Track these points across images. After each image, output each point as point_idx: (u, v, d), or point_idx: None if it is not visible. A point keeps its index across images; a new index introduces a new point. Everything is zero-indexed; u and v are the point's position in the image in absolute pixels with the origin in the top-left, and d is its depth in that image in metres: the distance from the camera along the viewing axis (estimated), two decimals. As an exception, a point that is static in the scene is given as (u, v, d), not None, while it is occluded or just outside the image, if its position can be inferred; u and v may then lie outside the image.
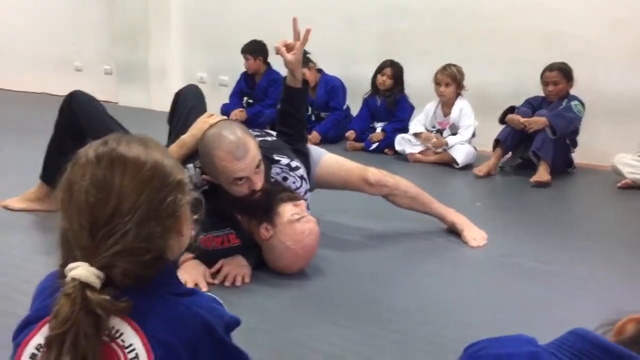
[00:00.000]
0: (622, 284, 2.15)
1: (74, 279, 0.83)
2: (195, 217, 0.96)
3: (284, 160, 2.19)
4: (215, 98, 5.17)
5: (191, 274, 1.97)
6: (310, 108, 4.81)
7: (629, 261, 2.41)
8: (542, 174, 3.58)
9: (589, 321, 0.83)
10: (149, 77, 6.17)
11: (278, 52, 2.26)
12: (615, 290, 2.09)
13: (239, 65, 5.33)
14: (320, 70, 4.83)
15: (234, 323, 0.98)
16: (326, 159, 2.56)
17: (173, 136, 2.41)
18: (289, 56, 2.25)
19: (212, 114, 2.30)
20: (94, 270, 0.83)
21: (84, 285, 0.82)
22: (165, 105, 5.90)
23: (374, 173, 2.51)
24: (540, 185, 3.54)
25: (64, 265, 0.86)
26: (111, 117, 2.53)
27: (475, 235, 2.54)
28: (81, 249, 0.85)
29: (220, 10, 5.87)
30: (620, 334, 0.78)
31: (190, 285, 1.87)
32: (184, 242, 0.95)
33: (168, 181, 0.91)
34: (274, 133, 2.44)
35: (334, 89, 4.84)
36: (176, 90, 2.69)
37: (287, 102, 2.36)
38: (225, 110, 5.18)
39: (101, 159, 0.88)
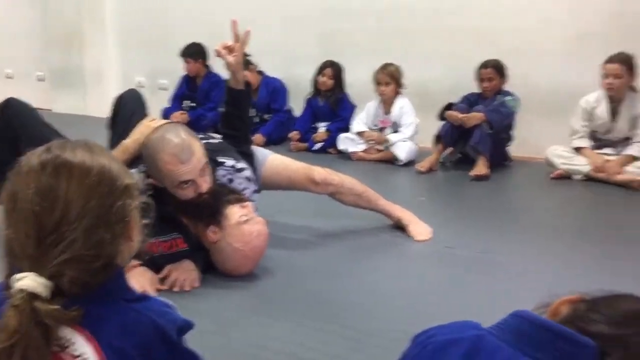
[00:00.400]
0: (557, 270, 2.25)
1: (21, 290, 0.80)
2: (145, 221, 0.95)
3: (229, 162, 2.19)
4: (155, 102, 5.06)
5: (139, 281, 1.93)
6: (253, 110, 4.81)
7: (563, 248, 2.53)
8: (481, 167, 3.70)
9: (527, 305, 0.87)
10: (85, 82, 6.00)
11: (218, 54, 2.26)
12: (551, 276, 2.18)
13: (178, 68, 5.26)
14: (261, 72, 4.83)
15: (187, 326, 0.97)
16: (271, 160, 2.57)
17: (114, 141, 2.37)
18: (230, 58, 2.25)
19: (154, 118, 2.28)
20: (42, 280, 0.81)
21: (32, 296, 0.80)
22: (103, 111, 5.78)
23: (320, 172, 2.54)
24: (480, 178, 3.66)
25: (9, 275, 0.84)
26: (47, 125, 2.45)
27: (420, 229, 2.60)
28: (28, 258, 0.83)
29: (157, 12, 5.77)
30: (555, 315, 0.83)
31: (138, 292, 1.84)
32: (134, 247, 0.94)
33: (116, 186, 0.89)
34: (218, 136, 2.43)
35: (275, 90, 4.84)
36: (114, 95, 2.64)
37: (230, 104, 2.36)
38: (166, 114, 5.09)
39: (45, 166, 0.85)
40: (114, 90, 5.99)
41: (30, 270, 0.82)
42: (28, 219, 0.83)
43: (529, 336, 0.78)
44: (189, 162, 1.92)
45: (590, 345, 0.74)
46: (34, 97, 6.06)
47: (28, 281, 0.81)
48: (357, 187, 2.63)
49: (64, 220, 0.83)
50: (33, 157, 0.87)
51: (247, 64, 4.33)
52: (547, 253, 2.46)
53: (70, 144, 0.90)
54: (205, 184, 1.99)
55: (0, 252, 0.87)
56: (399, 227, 2.66)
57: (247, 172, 2.24)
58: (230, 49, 2.25)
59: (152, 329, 0.89)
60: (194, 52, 4.98)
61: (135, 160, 2.12)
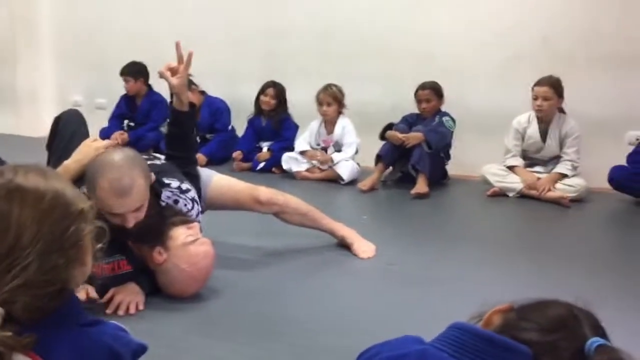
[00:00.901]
0: (495, 282, 2.34)
1: None
2: (99, 245, 0.95)
3: (174, 184, 2.17)
4: (93, 122, 4.93)
5: (128, 298, 1.96)
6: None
7: (499, 261, 2.64)
8: (421, 186, 3.81)
9: (465, 317, 0.92)
10: (18, 100, 5.81)
11: (162, 76, 2.25)
12: (488, 288, 2.26)
13: (116, 87, 5.17)
14: (203, 92, 4.82)
15: (141, 350, 0.97)
16: (216, 180, 2.57)
17: (53, 162, 2.31)
18: (174, 80, 2.24)
19: (95, 139, 2.24)
20: None
21: None
22: (36, 131, 5.65)
23: (264, 192, 2.56)
24: (420, 196, 3.76)
25: None
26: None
27: (364, 247, 2.65)
28: None
29: (94, 29, 5.67)
30: (489, 324, 0.88)
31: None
32: (87, 271, 0.93)
33: (70, 211, 0.89)
34: (162, 157, 2.41)
35: (218, 110, 4.84)
36: (49, 114, 2.58)
37: (175, 125, 2.35)
38: (105, 133, 4.98)
39: None
40: (49, 109, 5.85)
41: None
42: None
43: (469, 346, 0.82)
44: (124, 199, 1.87)
45: (525, 352, 0.80)
46: (-37, 115, 5.86)
47: None
48: (302, 207, 2.65)
49: (17, 245, 0.83)
50: None
51: (189, 84, 4.32)
52: (484, 267, 2.55)
53: (23, 168, 0.89)
54: (133, 221, 1.92)
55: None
56: (344, 245, 2.70)
57: (192, 193, 2.23)
58: (174, 71, 2.25)
59: (108, 353, 0.89)
60: (134, 71, 4.92)
61: (76, 181, 2.07)
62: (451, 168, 4.29)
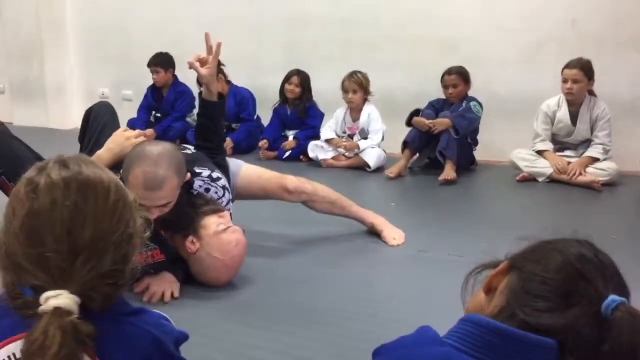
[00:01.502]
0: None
1: (57, 308, 0.80)
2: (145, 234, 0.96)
3: (205, 172, 2.19)
4: (121, 113, 4.99)
5: (163, 286, 2.00)
6: (221, 120, 4.80)
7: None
8: (449, 172, 3.77)
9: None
10: (46, 94, 5.87)
11: (192, 66, 2.26)
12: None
13: (142, 78, 5.21)
14: (229, 82, 4.83)
15: (183, 338, 0.99)
16: (244, 170, 2.58)
17: (85, 154, 2.33)
18: (203, 70, 2.26)
19: (126, 129, 2.26)
20: (74, 297, 0.82)
21: (68, 314, 0.80)
22: (65, 123, 5.72)
23: (292, 180, 2.56)
24: (448, 182, 3.73)
25: (16, 293, 0.84)
26: (16, 138, 2.40)
27: (394, 234, 2.64)
28: (55, 275, 0.83)
29: (119, 22, 5.71)
30: (491, 289, 0.88)
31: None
32: (134, 261, 0.95)
33: (128, 201, 0.91)
34: (191, 147, 2.43)
35: (243, 100, 4.84)
36: (77, 107, 2.62)
37: (204, 116, 2.36)
38: (132, 125, 5.03)
39: (69, 183, 0.86)
40: (77, 102, 5.93)
41: (59, 287, 0.82)
42: (60, 236, 0.83)
43: (492, 345, 0.78)
44: (153, 193, 1.88)
45: (551, 345, 0.77)
46: (-6, 110, 5.97)
47: (64, 299, 0.81)
48: (330, 195, 2.66)
49: (95, 237, 0.84)
50: (51, 172, 0.87)
51: (218, 72, 4.35)
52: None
53: (81, 160, 0.90)
54: (157, 214, 1.92)
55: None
56: (373, 232, 2.70)
57: (223, 181, 2.24)
58: (203, 61, 2.26)
59: (151, 341, 0.90)
60: (164, 62, 4.93)
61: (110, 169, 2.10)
62: (479, 154, 4.25)
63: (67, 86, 5.96)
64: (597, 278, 0.80)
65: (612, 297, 0.77)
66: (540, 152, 3.86)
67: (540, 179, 3.79)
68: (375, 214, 2.75)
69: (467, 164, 4.12)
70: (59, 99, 5.89)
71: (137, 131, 2.31)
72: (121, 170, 1.94)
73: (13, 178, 2.17)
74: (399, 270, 2.40)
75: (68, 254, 0.83)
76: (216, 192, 2.19)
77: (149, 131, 4.86)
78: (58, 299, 0.81)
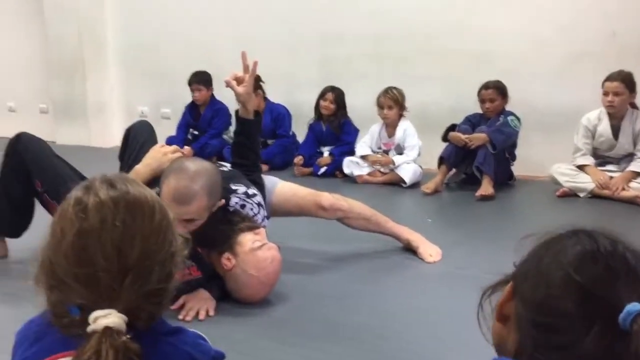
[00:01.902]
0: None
1: (108, 328, 0.81)
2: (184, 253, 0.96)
3: (241, 189, 2.21)
4: (159, 131, 5.09)
5: (200, 303, 2.02)
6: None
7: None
8: (486, 187, 3.72)
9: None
10: (87, 113, 6.03)
11: (228, 85, 2.29)
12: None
13: (180, 97, 5.31)
14: (265, 99, 4.88)
15: (220, 357, 0.99)
16: (280, 187, 2.59)
17: (125, 171, 2.39)
18: (240, 89, 2.28)
19: (163, 145, 2.29)
20: (122, 316, 0.82)
21: (118, 334, 0.81)
22: (106, 142, 5.85)
23: (328, 198, 2.56)
24: (485, 198, 3.68)
25: (62, 312, 0.84)
26: (59, 157, 2.47)
27: (430, 250, 2.61)
28: (103, 294, 0.83)
29: (158, 42, 5.84)
30: (504, 317, 0.82)
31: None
32: (176, 280, 0.95)
33: (170, 220, 0.92)
34: (228, 165, 2.46)
35: (279, 116, 4.88)
36: (117, 126, 2.68)
37: (241, 134, 2.39)
38: (170, 142, 5.11)
39: (118, 203, 0.87)
40: (117, 120, 6.07)
41: (106, 307, 0.82)
42: (110, 255, 0.84)
43: None
44: (179, 207, 1.89)
45: None
46: (37, 129, 6.05)
47: (114, 319, 0.82)
48: (366, 211, 2.65)
49: (143, 255, 0.85)
50: (99, 191, 0.87)
51: (256, 87, 4.44)
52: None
53: (125, 180, 0.92)
54: (181, 229, 1.94)
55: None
56: (409, 249, 2.67)
57: (259, 198, 2.25)
58: (239, 80, 2.28)
59: None
60: (205, 80, 5.02)
61: (147, 184, 2.14)
62: (517, 168, 4.18)
63: (107, 105, 6.11)
64: (608, 285, 0.70)
65: (629, 308, 0.67)
66: (581, 167, 3.78)
67: (581, 195, 3.70)
68: (410, 230, 2.72)
69: (505, 179, 4.05)
70: (100, 118, 6.04)
71: (174, 147, 2.34)
72: (157, 189, 1.97)
73: (56, 196, 2.24)
74: (435, 288, 2.36)
75: (118, 273, 0.83)
76: (252, 209, 2.20)
77: (187, 149, 4.92)
78: (108, 318, 0.81)
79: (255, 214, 2.20)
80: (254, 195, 2.23)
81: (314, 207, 2.54)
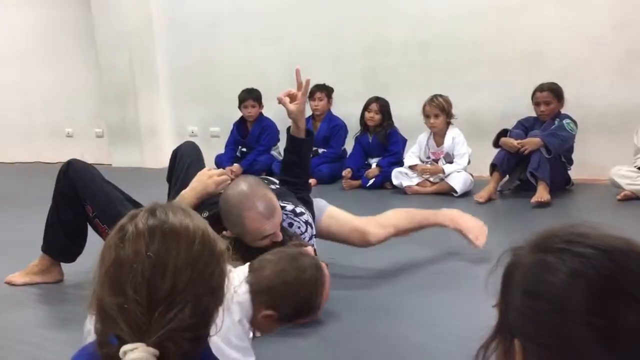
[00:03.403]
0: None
1: None
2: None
3: (289, 207, 2.19)
4: (209, 150, 5.18)
5: None
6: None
7: None
8: (542, 193, 3.58)
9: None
10: (140, 136, 6.21)
11: (281, 102, 2.27)
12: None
13: (228, 115, 5.39)
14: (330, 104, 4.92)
15: None
16: (327, 216, 2.51)
17: (173, 193, 2.41)
18: (292, 107, 2.26)
19: (210, 168, 2.30)
20: (151, 350, 0.80)
21: None
22: (159, 163, 5.99)
23: (375, 235, 2.50)
24: (541, 205, 3.54)
25: (103, 341, 0.83)
26: (108, 182, 2.51)
27: (475, 232, 2.60)
28: (134, 327, 0.82)
29: (205, 63, 5.96)
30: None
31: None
32: (220, 313, 0.93)
33: (215, 252, 0.89)
34: (277, 181, 2.44)
35: (337, 127, 4.90)
36: (169, 146, 2.70)
37: (292, 152, 2.37)
38: (219, 160, 5.19)
39: (153, 232, 0.85)
40: (169, 141, 6.21)
41: (137, 340, 0.81)
42: (140, 287, 0.82)
43: None
44: (273, 218, 1.97)
45: None
46: (93, 153, 6.37)
47: (140, 353, 0.80)
48: (407, 225, 2.61)
49: (175, 288, 0.82)
50: (138, 221, 0.87)
51: (328, 96, 4.78)
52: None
53: (170, 208, 0.89)
54: (280, 235, 2.02)
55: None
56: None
57: (306, 217, 2.23)
58: (292, 97, 2.27)
59: None
60: (257, 97, 5.08)
61: (195, 208, 2.15)
62: (574, 173, 4.02)
63: (159, 127, 6.26)
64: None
65: None
66: (643, 169, 3.60)
67: (644, 197, 3.52)
68: (448, 211, 2.72)
69: (562, 184, 3.90)
70: (152, 140, 6.19)
71: (220, 170, 2.34)
72: (205, 213, 1.98)
73: (106, 221, 2.28)
74: (489, 304, 2.26)
75: (147, 306, 0.81)
76: (299, 227, 2.18)
77: (236, 166, 4.98)
78: (134, 353, 0.80)
79: (303, 233, 2.18)
80: (302, 213, 2.21)
81: (361, 243, 2.52)
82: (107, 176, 2.57)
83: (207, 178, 2.18)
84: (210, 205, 2.15)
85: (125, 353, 0.80)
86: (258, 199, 1.95)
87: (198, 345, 0.86)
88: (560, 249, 0.68)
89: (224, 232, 2.01)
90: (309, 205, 2.34)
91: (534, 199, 3.57)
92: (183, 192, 2.21)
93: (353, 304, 2.24)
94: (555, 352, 0.65)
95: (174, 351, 0.82)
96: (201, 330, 0.85)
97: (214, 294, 0.87)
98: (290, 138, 2.35)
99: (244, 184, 2.01)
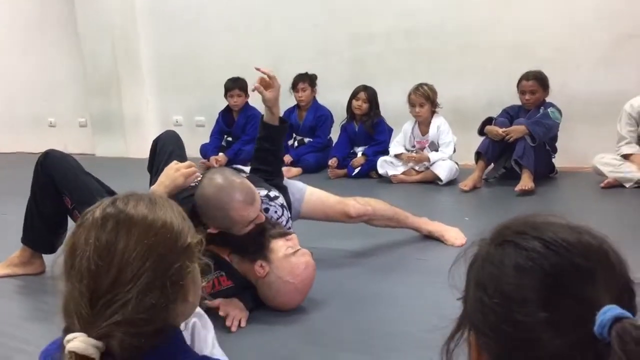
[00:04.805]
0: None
1: (70, 352, 0.78)
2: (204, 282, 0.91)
3: (263, 192, 2.17)
4: (194, 139, 5.16)
5: (233, 312, 1.98)
6: (294, 135, 4.87)
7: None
8: (526, 181, 3.60)
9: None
10: (124, 125, 6.14)
11: (257, 90, 2.26)
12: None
13: (213, 104, 5.35)
14: (314, 95, 4.90)
15: None
16: (308, 195, 2.58)
17: (153, 183, 2.37)
18: (268, 94, 2.26)
19: (177, 162, 2.21)
20: (92, 341, 0.78)
21: (80, 358, 0.77)
22: (143, 152, 5.93)
23: (355, 207, 2.58)
24: (526, 193, 3.56)
25: (65, 332, 0.82)
26: (87, 173, 2.46)
27: (454, 234, 2.69)
28: (80, 317, 0.80)
29: (190, 52, 5.90)
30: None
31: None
32: (191, 308, 0.90)
33: (176, 247, 0.85)
34: (247, 169, 2.43)
35: (322, 117, 4.88)
36: (153, 137, 2.66)
37: (265, 139, 2.36)
38: (205, 150, 5.16)
39: (107, 222, 0.82)
40: (153, 131, 6.14)
41: (81, 330, 0.79)
42: (84, 277, 0.80)
43: None
44: (254, 202, 1.97)
45: None
46: (77, 143, 6.30)
47: (77, 343, 0.78)
48: (388, 212, 2.69)
49: (119, 281, 0.80)
50: (98, 209, 0.85)
51: (312, 85, 4.77)
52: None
53: (135, 198, 0.86)
54: (263, 215, 2.03)
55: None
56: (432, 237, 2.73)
57: (281, 200, 2.24)
58: (267, 85, 2.26)
59: None
60: (243, 86, 5.02)
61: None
62: (558, 160, 4.04)
63: (143, 116, 6.20)
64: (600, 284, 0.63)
65: (602, 315, 0.60)
66: (625, 156, 3.62)
67: (627, 185, 3.54)
68: (428, 220, 2.78)
69: (546, 172, 3.92)
70: (136, 129, 6.13)
71: (188, 162, 2.23)
72: (198, 210, 1.96)
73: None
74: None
75: (89, 296, 0.79)
76: (275, 212, 2.18)
77: (221, 156, 4.95)
78: (73, 342, 0.78)
79: (280, 217, 2.17)
80: (276, 197, 2.22)
81: (342, 217, 2.59)
82: (91, 166, 2.54)
83: (174, 172, 2.10)
84: (183, 200, 2.02)
85: (68, 342, 0.78)
86: (236, 189, 1.94)
87: (151, 340, 0.81)
88: (507, 241, 0.69)
89: (209, 230, 1.97)
90: (283, 191, 2.34)
91: (518, 187, 3.58)
92: (152, 187, 2.14)
93: (336, 292, 2.23)
94: (501, 343, 0.65)
95: (117, 345, 0.79)
96: (148, 326, 0.80)
97: (166, 291, 0.82)
98: (264, 125, 2.34)
99: (219, 177, 1.98)
